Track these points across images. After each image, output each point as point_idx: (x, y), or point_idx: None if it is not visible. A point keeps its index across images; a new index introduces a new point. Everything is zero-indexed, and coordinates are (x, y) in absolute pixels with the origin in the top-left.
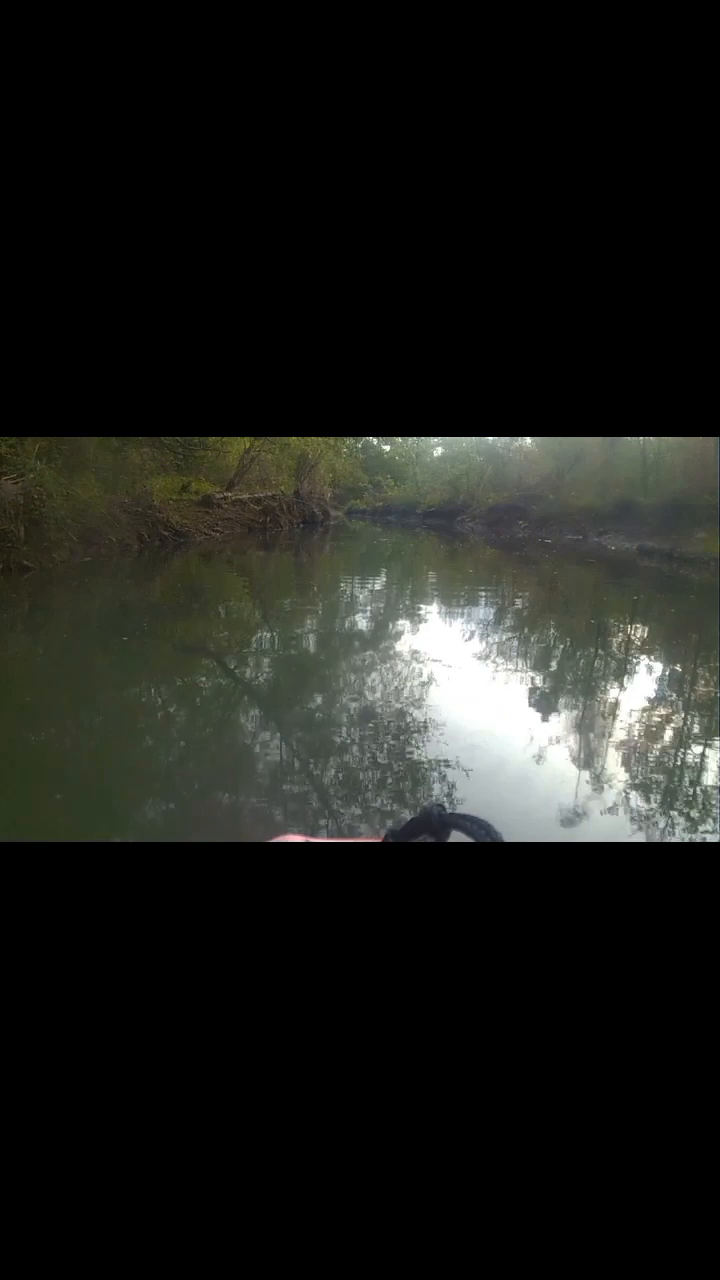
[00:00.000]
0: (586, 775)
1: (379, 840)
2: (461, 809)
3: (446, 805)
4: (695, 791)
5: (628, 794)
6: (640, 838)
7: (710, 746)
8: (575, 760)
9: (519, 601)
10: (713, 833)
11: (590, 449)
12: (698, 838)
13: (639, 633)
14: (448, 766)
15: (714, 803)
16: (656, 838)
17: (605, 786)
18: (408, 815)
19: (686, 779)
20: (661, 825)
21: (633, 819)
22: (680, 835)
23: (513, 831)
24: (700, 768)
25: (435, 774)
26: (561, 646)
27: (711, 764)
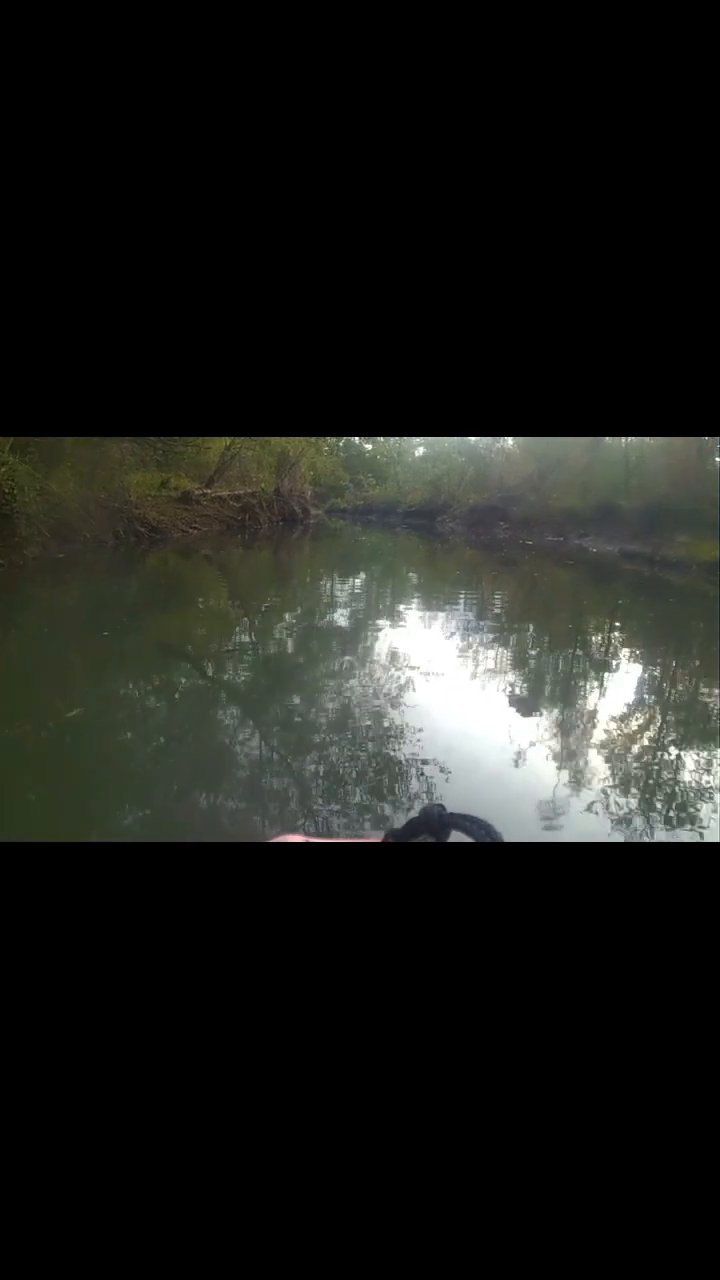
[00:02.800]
0: (580, 775)
1: (379, 840)
2: (439, 800)
3: (446, 805)
4: (674, 790)
5: (621, 794)
6: (625, 837)
7: (688, 748)
8: (559, 759)
9: (498, 602)
10: (690, 832)
11: (572, 451)
12: (691, 837)
13: (632, 638)
14: (425, 764)
15: (694, 801)
16: (640, 836)
17: (599, 786)
18: (388, 812)
19: (666, 778)
20: (640, 825)
21: (623, 817)
22: (660, 832)
23: (507, 829)
24: (679, 767)
25: (416, 772)
26: (538, 649)
27: (690, 763)
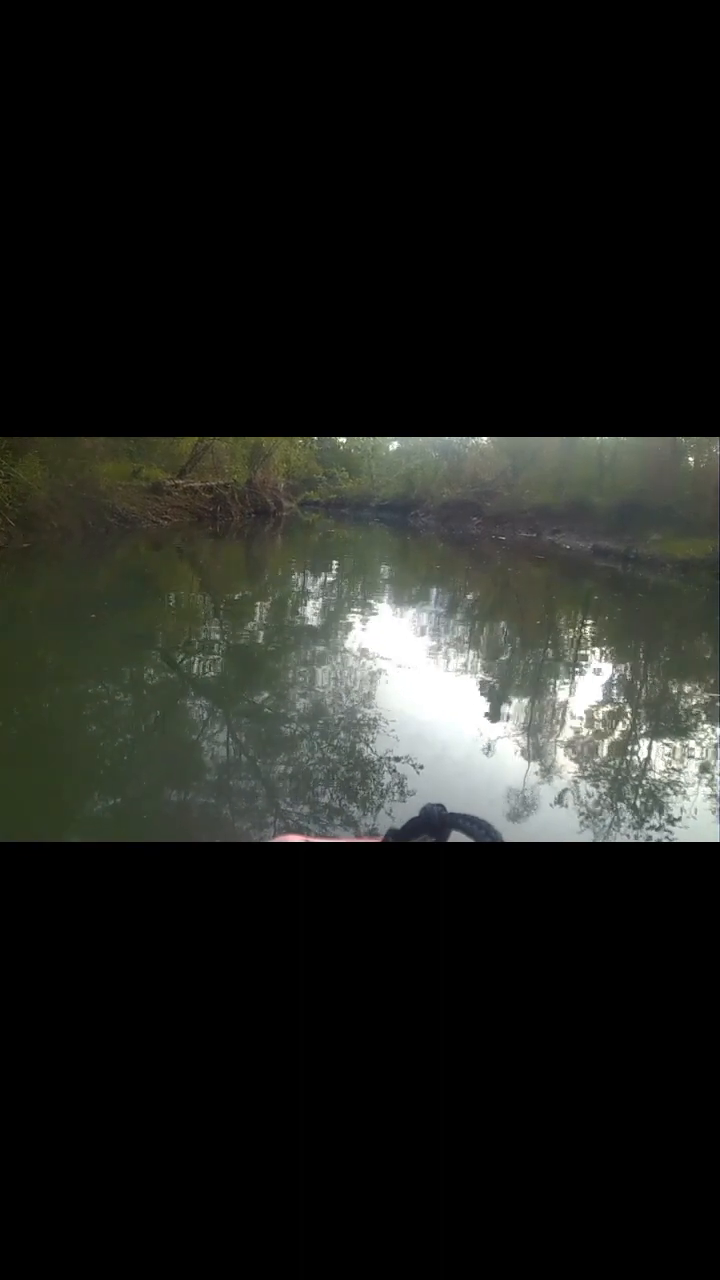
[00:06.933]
0: (583, 776)
1: (379, 840)
2: (437, 801)
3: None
4: (644, 785)
5: (624, 796)
6: (628, 836)
7: (681, 747)
8: (562, 760)
9: (471, 599)
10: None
11: (546, 447)
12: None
13: (611, 637)
14: (396, 760)
15: (662, 797)
16: (642, 835)
17: (601, 787)
18: (364, 808)
19: (668, 780)
20: (644, 825)
21: (627, 818)
22: (630, 828)
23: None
24: (648, 763)
25: (388, 768)
26: (512, 649)
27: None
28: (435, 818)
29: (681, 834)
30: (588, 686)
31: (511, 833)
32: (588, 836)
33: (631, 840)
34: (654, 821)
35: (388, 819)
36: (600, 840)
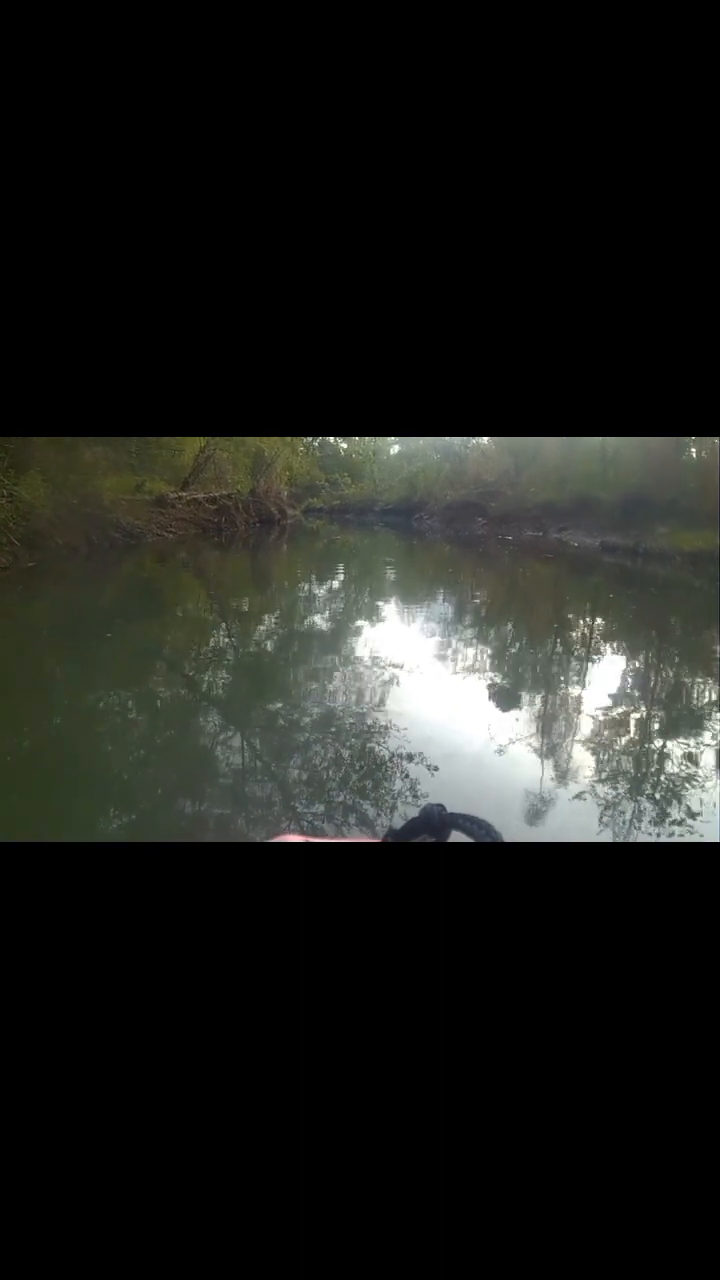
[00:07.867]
0: (600, 777)
1: (379, 840)
2: (436, 801)
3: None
4: (661, 786)
5: (635, 799)
6: (637, 836)
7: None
8: (579, 762)
9: (479, 600)
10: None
11: (548, 445)
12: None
13: (629, 636)
14: (410, 760)
15: (681, 798)
16: (649, 835)
17: (615, 790)
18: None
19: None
20: (648, 824)
21: (640, 821)
22: (650, 825)
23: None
24: (664, 762)
25: (402, 773)
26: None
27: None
28: (435, 818)
29: (691, 833)
30: (606, 686)
31: (524, 833)
32: (606, 836)
33: (645, 840)
34: (675, 815)
35: (403, 820)
36: (617, 840)
